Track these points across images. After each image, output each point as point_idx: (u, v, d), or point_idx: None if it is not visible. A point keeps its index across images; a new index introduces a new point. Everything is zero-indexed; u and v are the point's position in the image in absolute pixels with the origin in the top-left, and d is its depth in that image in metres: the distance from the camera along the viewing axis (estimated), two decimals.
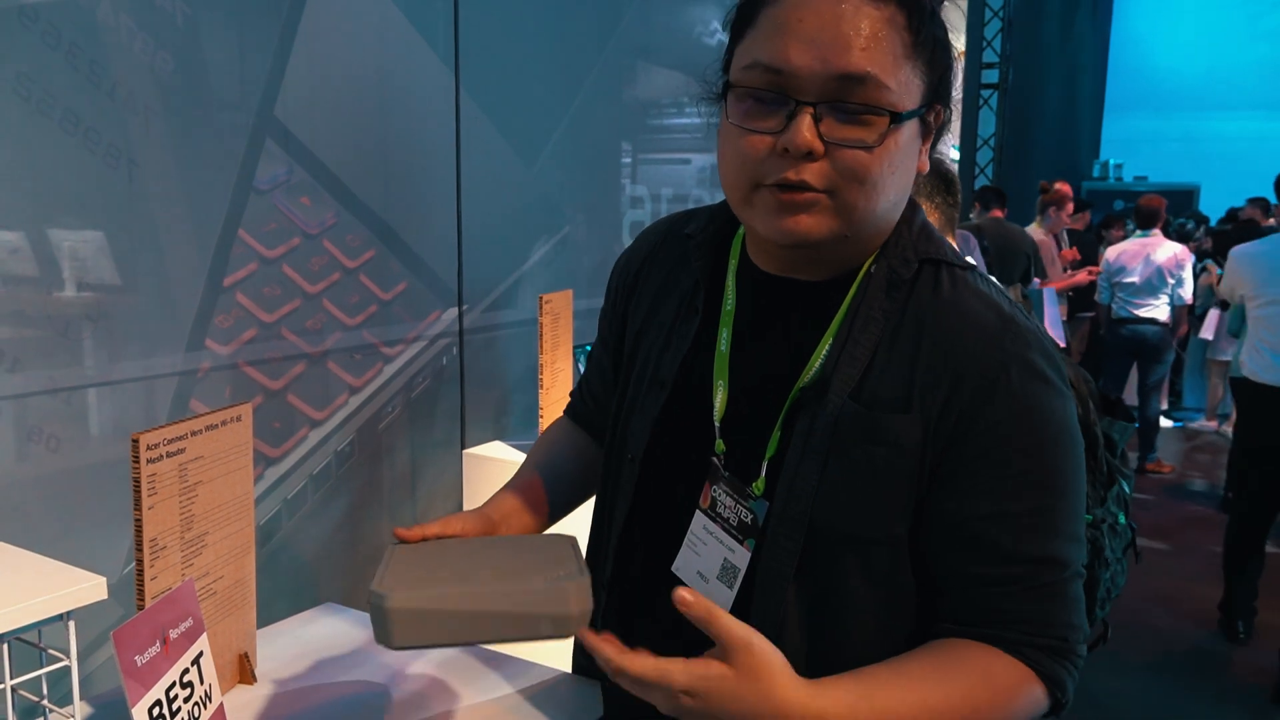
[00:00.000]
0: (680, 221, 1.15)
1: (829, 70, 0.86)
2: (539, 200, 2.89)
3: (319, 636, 1.29)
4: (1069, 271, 6.20)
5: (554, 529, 1.13)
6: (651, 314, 1.12)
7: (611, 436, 1.13)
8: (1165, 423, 7.16)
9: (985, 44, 10.51)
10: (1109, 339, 6.15)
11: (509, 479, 1.19)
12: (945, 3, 0.97)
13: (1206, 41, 17.23)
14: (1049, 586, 0.92)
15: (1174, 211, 9.78)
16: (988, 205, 5.65)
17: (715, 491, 1.01)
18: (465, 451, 2.63)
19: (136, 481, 0.96)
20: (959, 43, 10.58)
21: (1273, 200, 6.17)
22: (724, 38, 0.98)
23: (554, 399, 2.44)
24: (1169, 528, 5.25)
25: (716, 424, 1.01)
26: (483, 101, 2.58)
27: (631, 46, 3.27)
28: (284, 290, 2.11)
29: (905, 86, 0.89)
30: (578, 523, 1.21)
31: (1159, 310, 5.88)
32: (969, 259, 1.03)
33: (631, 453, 1.08)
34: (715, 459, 1.01)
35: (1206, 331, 7.05)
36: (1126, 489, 1.18)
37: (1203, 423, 7.63)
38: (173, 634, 0.92)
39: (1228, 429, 6.51)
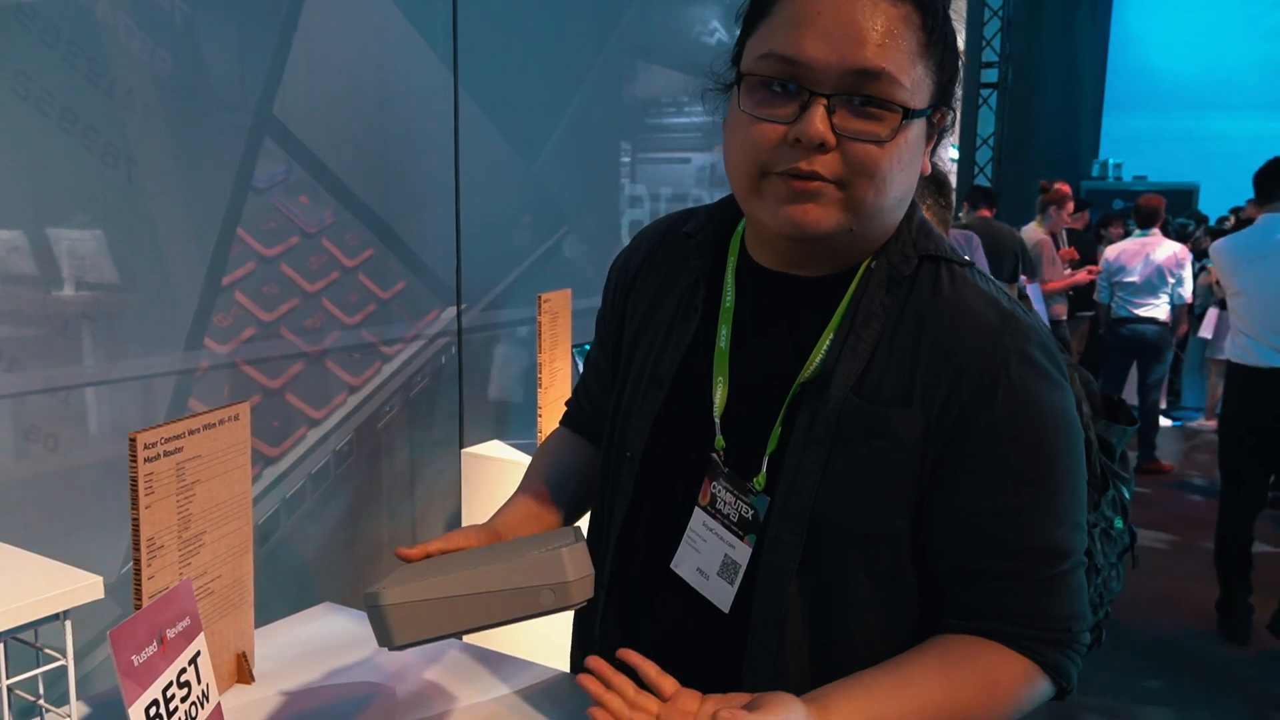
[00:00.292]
0: (678, 221, 1.15)
1: (844, 64, 0.86)
2: (538, 199, 2.89)
3: (317, 636, 1.29)
4: (1069, 271, 6.20)
5: None
6: (650, 314, 1.12)
7: (610, 436, 1.13)
8: (1164, 422, 7.16)
9: (985, 43, 10.52)
10: (1108, 338, 6.15)
11: (513, 491, 1.18)
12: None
13: (1206, 41, 17.26)
14: (1051, 579, 0.92)
15: (1173, 211, 9.78)
16: (975, 205, 5.66)
17: (715, 488, 1.01)
18: (464, 450, 2.63)
19: (134, 480, 0.96)
20: (958, 42, 10.60)
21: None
22: (724, 37, 0.97)
23: (552, 398, 2.43)
24: (1167, 527, 5.25)
25: (717, 420, 1.01)
26: (482, 101, 2.58)
27: (631, 46, 3.27)
28: (283, 289, 2.10)
29: (917, 85, 0.89)
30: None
31: (1159, 309, 5.88)
32: (967, 259, 1.03)
33: (630, 451, 1.07)
34: (715, 455, 1.01)
35: (1205, 330, 7.06)
36: (1126, 494, 1.17)
37: (1201, 422, 7.64)
38: (170, 633, 0.91)
39: None
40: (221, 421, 1.08)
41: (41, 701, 0.97)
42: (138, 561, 0.97)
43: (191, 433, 1.03)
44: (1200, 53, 17.27)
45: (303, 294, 2.15)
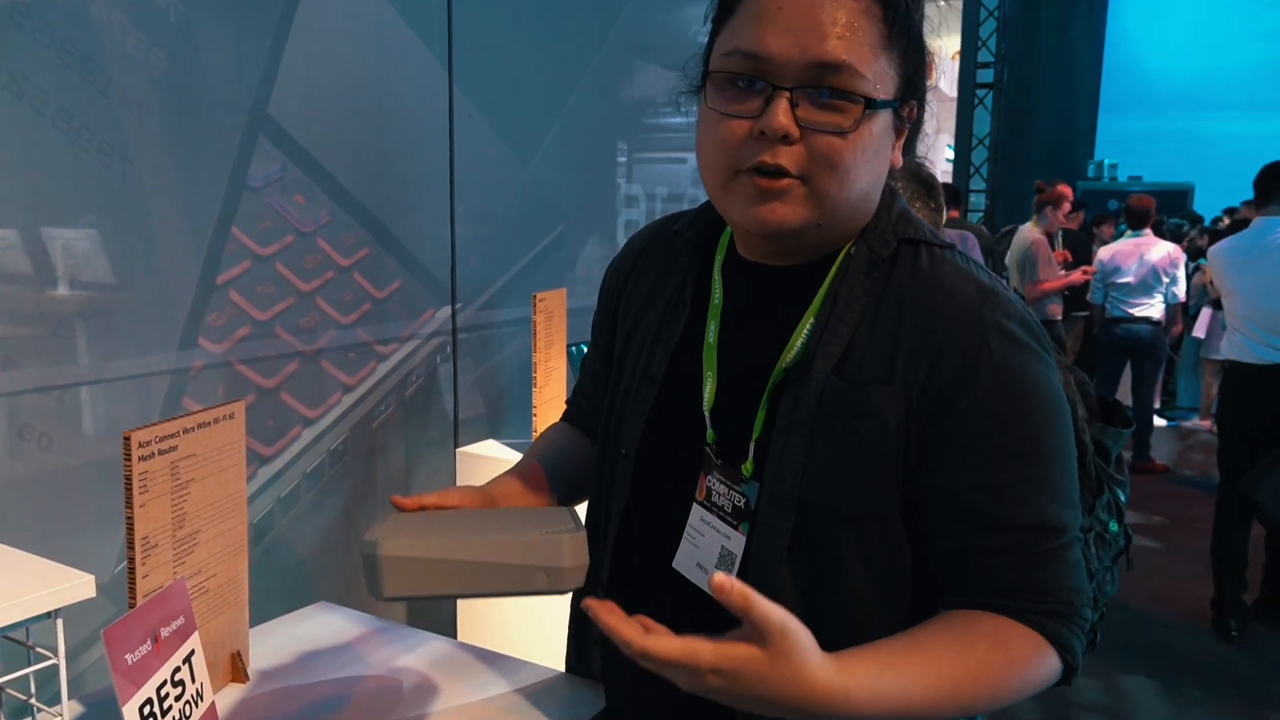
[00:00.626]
0: (668, 222, 1.17)
1: (806, 57, 0.88)
2: (533, 199, 2.89)
3: (312, 635, 1.29)
4: (1064, 271, 6.21)
5: None
6: (641, 314, 1.13)
7: (604, 435, 1.13)
8: (1159, 422, 7.18)
9: (980, 44, 10.54)
10: (1103, 338, 6.16)
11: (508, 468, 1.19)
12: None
13: (1201, 41, 17.30)
14: (1047, 553, 0.92)
15: (1168, 211, 9.80)
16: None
17: (710, 481, 1.01)
18: (459, 450, 2.63)
19: (128, 479, 0.95)
20: (954, 42, 10.61)
21: None
22: None
23: (548, 397, 2.43)
24: (1162, 527, 5.26)
25: (706, 414, 1.02)
26: (477, 99, 2.58)
27: (628, 45, 3.27)
28: (277, 288, 2.10)
29: (880, 77, 0.91)
30: None
31: (1153, 309, 5.90)
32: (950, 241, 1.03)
33: (625, 448, 1.08)
34: (707, 449, 1.02)
35: (1199, 330, 7.07)
36: (1122, 496, 1.17)
37: (1196, 421, 7.66)
38: (164, 632, 0.91)
39: None
40: (216, 420, 1.08)
41: (33, 700, 0.97)
42: (132, 560, 0.97)
43: (186, 431, 1.03)
44: (1195, 53, 17.32)
45: (298, 293, 2.15)
